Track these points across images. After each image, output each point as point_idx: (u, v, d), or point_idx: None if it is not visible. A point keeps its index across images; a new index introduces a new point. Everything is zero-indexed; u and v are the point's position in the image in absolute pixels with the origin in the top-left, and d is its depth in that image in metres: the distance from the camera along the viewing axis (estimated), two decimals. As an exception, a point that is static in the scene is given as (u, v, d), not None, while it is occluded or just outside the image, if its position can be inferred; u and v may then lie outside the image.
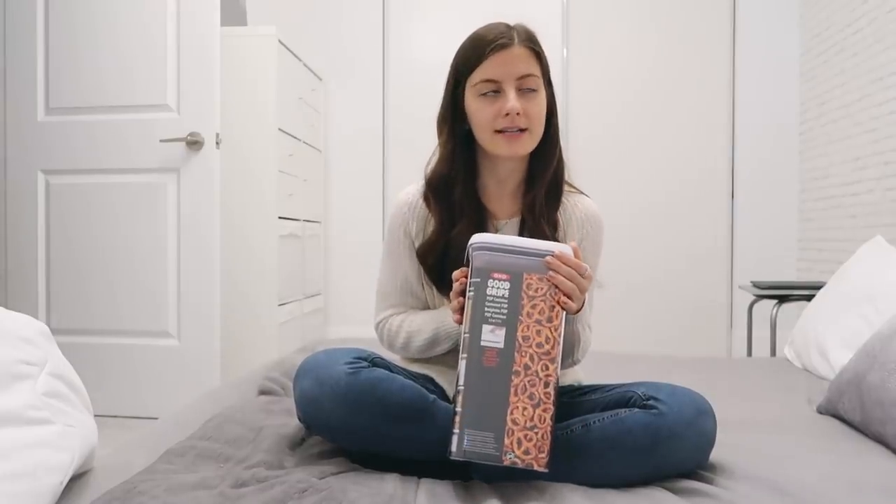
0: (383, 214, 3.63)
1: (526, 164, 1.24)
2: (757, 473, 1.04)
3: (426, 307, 1.29)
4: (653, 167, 3.50)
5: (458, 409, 0.94)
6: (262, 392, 1.52)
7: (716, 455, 1.07)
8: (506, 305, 0.96)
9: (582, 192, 1.30)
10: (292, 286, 3.10)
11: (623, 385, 1.11)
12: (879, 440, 1.24)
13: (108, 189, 2.57)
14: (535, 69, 1.17)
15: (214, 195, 2.51)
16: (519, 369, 0.94)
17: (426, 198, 1.26)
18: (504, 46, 1.14)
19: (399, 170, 3.61)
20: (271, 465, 1.05)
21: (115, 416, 2.50)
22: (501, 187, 1.25)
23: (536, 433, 0.92)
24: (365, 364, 1.06)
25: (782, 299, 2.56)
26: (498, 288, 0.96)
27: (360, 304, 3.59)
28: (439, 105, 1.25)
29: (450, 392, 1.23)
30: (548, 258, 0.99)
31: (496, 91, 1.16)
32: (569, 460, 1.02)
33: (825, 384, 1.61)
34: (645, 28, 3.51)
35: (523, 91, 1.16)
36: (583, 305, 1.06)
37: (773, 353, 2.61)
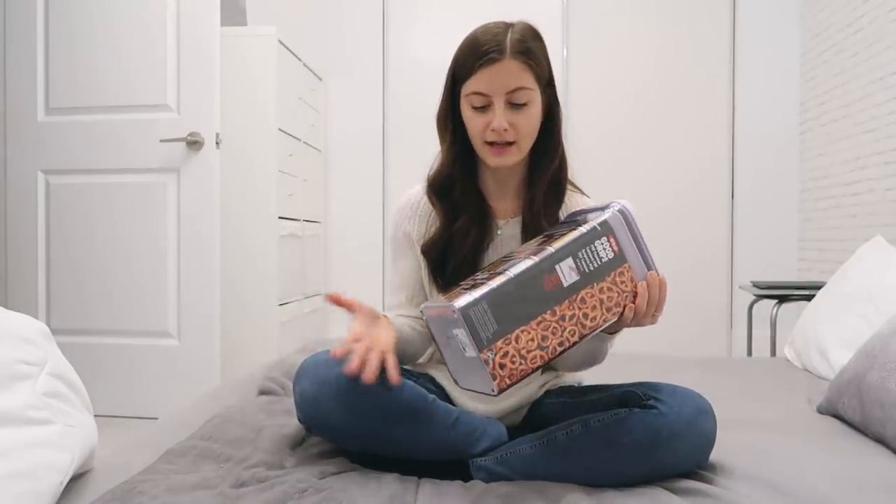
0: (383, 214, 3.63)
1: (526, 164, 1.24)
2: (757, 473, 1.04)
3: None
4: (653, 167, 3.50)
5: (493, 284, 0.91)
6: (262, 392, 1.52)
7: (716, 455, 1.07)
8: (595, 265, 0.95)
9: (584, 193, 1.30)
10: (292, 286, 3.10)
11: (623, 385, 1.11)
12: (879, 440, 1.24)
13: (107, 189, 2.57)
14: (528, 81, 1.14)
15: (214, 195, 2.51)
16: (557, 311, 0.92)
17: (430, 198, 1.26)
18: (494, 61, 1.12)
19: (399, 169, 3.61)
20: (271, 465, 1.05)
21: (115, 416, 2.50)
22: (502, 187, 1.26)
23: (520, 364, 0.91)
24: (365, 364, 1.06)
25: (782, 299, 2.56)
26: (604, 250, 0.96)
27: (360, 304, 3.60)
28: (439, 103, 1.25)
29: (450, 392, 1.23)
30: (652, 272, 1.00)
31: (486, 105, 1.15)
32: (569, 460, 1.02)
33: (825, 384, 1.61)
34: (645, 28, 3.51)
35: (513, 105, 1.15)
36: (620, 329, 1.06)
37: (773, 353, 2.61)
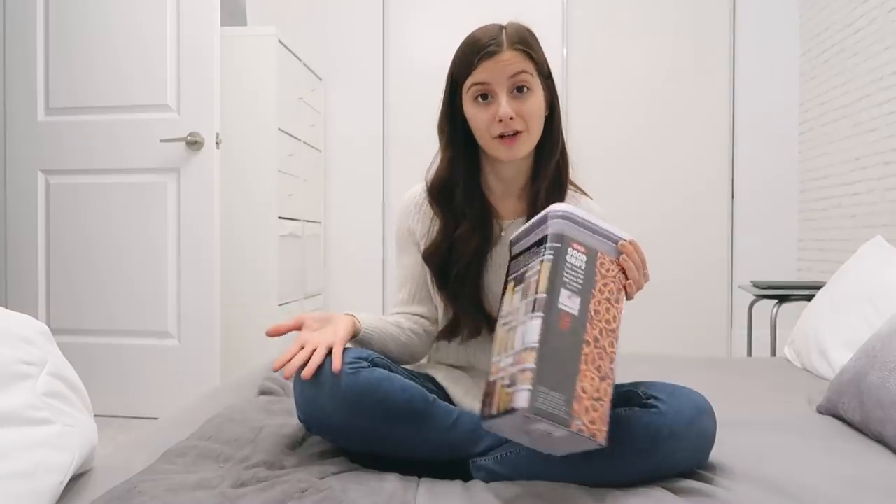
0: (383, 214, 3.63)
1: (530, 162, 1.24)
2: (757, 473, 1.04)
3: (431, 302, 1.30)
4: (652, 167, 3.50)
5: (531, 365, 0.88)
6: (262, 392, 1.52)
7: (716, 455, 1.07)
8: (582, 277, 0.95)
9: (585, 193, 1.30)
10: (292, 286, 3.10)
11: (623, 385, 1.11)
12: (879, 440, 1.24)
13: (107, 189, 2.57)
14: (528, 67, 1.17)
15: (214, 195, 2.51)
16: (589, 339, 0.92)
17: (430, 202, 1.26)
18: (493, 53, 1.14)
19: (399, 169, 3.61)
20: (271, 465, 1.05)
21: (115, 416, 2.50)
22: (507, 187, 1.26)
23: (601, 405, 0.90)
24: (365, 364, 1.06)
25: (782, 299, 2.56)
26: (576, 258, 0.96)
27: (360, 304, 3.60)
28: (438, 109, 1.25)
29: (450, 392, 1.23)
30: (622, 243, 1.00)
31: (490, 95, 1.16)
32: (569, 460, 1.02)
33: (825, 384, 1.61)
34: (645, 28, 3.51)
35: (517, 91, 1.16)
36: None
37: (773, 353, 2.61)
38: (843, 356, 1.68)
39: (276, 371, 1.04)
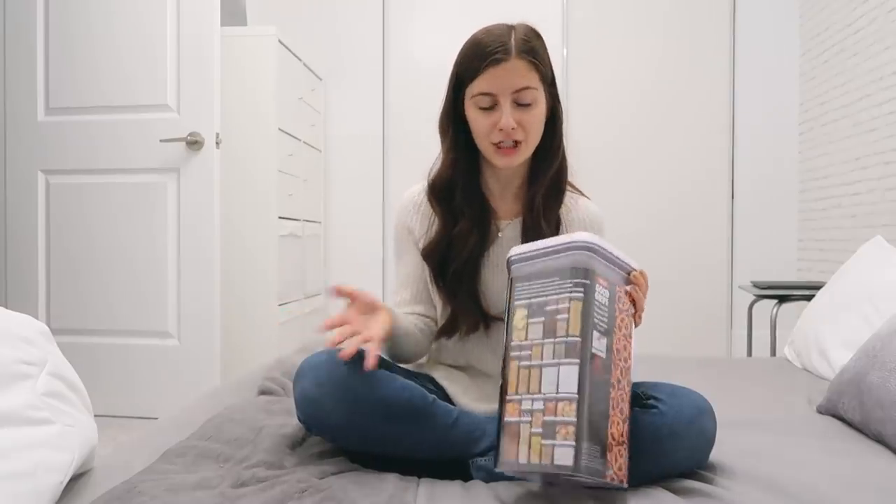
0: (383, 214, 3.63)
1: (528, 165, 1.25)
2: (757, 473, 1.04)
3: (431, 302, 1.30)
4: (652, 167, 3.50)
5: (571, 419, 0.84)
6: (262, 392, 1.52)
7: (716, 455, 1.07)
8: (606, 314, 0.90)
9: (583, 194, 1.30)
10: (292, 286, 3.10)
11: (623, 385, 1.11)
12: (879, 440, 1.24)
13: (107, 189, 2.57)
14: (533, 80, 1.16)
15: (214, 195, 2.51)
16: (614, 382, 0.88)
17: (430, 200, 1.26)
18: (500, 61, 1.14)
19: (399, 169, 3.61)
20: (271, 465, 1.05)
21: (115, 416, 2.50)
22: (504, 188, 1.26)
23: (625, 448, 0.88)
24: (365, 364, 1.06)
25: (782, 299, 2.56)
26: (602, 295, 0.90)
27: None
28: (441, 107, 1.25)
29: (450, 392, 1.23)
30: (635, 273, 0.98)
31: (493, 105, 1.16)
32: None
33: (825, 384, 1.61)
34: (645, 28, 3.51)
35: (519, 104, 1.16)
36: None
37: (773, 353, 2.61)
38: (843, 356, 1.68)
39: (326, 331, 1.01)
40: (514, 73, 1.14)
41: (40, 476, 0.87)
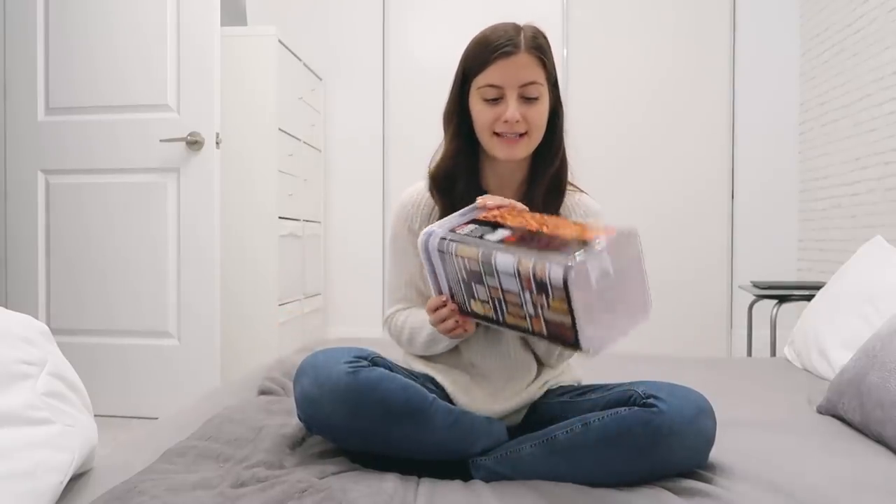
0: (383, 214, 3.63)
1: (528, 163, 1.25)
2: (757, 473, 1.04)
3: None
4: (652, 167, 3.50)
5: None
6: (262, 392, 1.52)
7: (716, 455, 1.07)
8: (478, 226, 1.08)
9: (582, 191, 1.30)
10: (292, 286, 3.10)
11: (623, 384, 1.12)
12: (879, 440, 1.24)
13: (107, 189, 2.57)
14: (540, 76, 1.17)
15: (214, 195, 2.51)
16: (539, 227, 1.04)
17: (432, 191, 1.26)
18: (509, 54, 1.15)
19: (399, 169, 3.61)
20: (271, 465, 1.05)
21: (115, 416, 2.50)
22: (504, 185, 1.26)
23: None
24: (365, 363, 1.07)
25: (782, 299, 2.56)
26: (461, 229, 1.09)
27: (360, 304, 3.60)
28: (447, 99, 1.26)
29: (450, 392, 1.23)
30: (478, 203, 1.13)
31: (499, 97, 1.17)
32: (569, 459, 1.02)
33: (825, 384, 1.61)
34: (645, 28, 3.51)
35: (525, 98, 1.17)
36: None
37: (773, 353, 2.61)
38: (843, 356, 1.68)
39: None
40: (522, 67, 1.15)
41: (40, 476, 0.87)
